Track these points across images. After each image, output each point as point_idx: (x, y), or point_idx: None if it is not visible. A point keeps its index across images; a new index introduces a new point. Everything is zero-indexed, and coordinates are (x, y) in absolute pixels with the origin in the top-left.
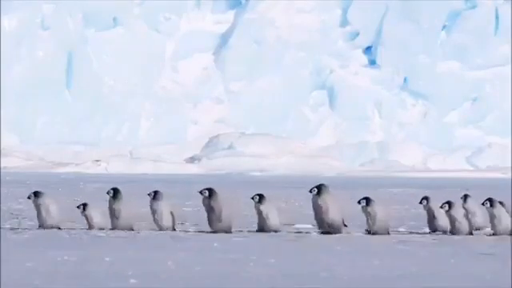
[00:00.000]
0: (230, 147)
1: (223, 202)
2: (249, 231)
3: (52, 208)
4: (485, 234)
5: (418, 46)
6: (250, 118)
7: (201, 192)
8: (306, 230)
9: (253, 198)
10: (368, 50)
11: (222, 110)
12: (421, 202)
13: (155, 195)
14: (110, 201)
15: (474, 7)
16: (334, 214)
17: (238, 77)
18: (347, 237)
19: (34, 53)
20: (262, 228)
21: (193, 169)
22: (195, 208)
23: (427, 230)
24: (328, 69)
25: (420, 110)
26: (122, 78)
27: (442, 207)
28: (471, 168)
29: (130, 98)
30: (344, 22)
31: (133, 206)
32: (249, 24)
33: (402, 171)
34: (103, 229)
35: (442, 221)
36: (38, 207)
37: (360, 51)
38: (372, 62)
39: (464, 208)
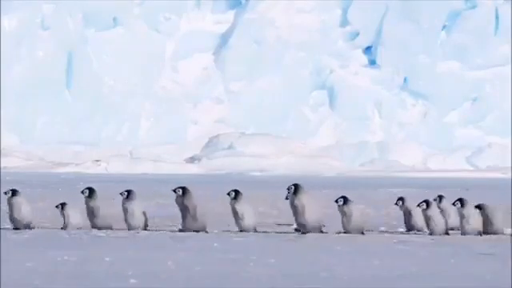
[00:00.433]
0: (229, 147)
1: (197, 200)
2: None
3: (24, 207)
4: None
5: (418, 46)
6: (250, 118)
7: (174, 190)
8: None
9: (229, 194)
10: (368, 49)
11: (222, 110)
12: (396, 203)
13: (128, 195)
14: (85, 200)
15: (473, 7)
16: (309, 214)
17: (238, 77)
18: (347, 237)
19: (33, 53)
20: (239, 227)
21: (193, 169)
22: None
23: (403, 229)
24: (328, 69)
25: (420, 110)
26: (121, 77)
27: (419, 206)
28: (471, 168)
29: (130, 98)
30: (344, 22)
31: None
32: (249, 24)
33: (401, 171)
34: (81, 228)
35: (419, 220)
36: (10, 205)
37: (360, 51)
38: (372, 62)
39: (439, 208)
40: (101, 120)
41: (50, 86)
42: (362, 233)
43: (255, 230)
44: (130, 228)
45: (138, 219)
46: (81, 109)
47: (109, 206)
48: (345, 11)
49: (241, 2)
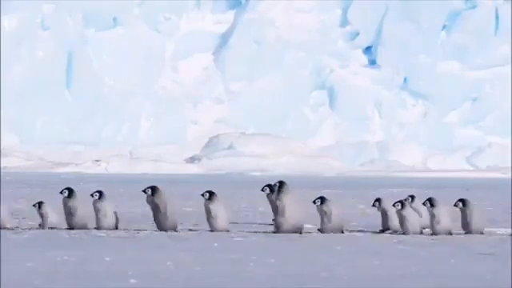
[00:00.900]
0: (230, 147)
1: (168, 199)
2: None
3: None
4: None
5: (418, 46)
6: (250, 117)
7: (144, 191)
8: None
9: (203, 195)
10: (368, 49)
11: (222, 109)
12: (374, 205)
13: (100, 196)
14: (64, 199)
15: (473, 7)
16: (290, 214)
17: (238, 77)
18: (347, 237)
19: (33, 53)
20: (212, 227)
21: (193, 169)
22: (195, 208)
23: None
24: (328, 69)
25: (420, 110)
26: (121, 77)
27: (394, 205)
28: (471, 168)
29: (130, 98)
30: (344, 22)
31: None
32: (249, 24)
33: (401, 171)
34: (55, 228)
35: (395, 220)
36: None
37: (360, 51)
38: (372, 62)
39: (411, 208)
40: (101, 120)
41: (50, 86)
42: (342, 232)
43: (227, 231)
44: (101, 228)
45: (110, 219)
46: (81, 109)
47: (86, 207)
48: (345, 11)
49: (241, 2)
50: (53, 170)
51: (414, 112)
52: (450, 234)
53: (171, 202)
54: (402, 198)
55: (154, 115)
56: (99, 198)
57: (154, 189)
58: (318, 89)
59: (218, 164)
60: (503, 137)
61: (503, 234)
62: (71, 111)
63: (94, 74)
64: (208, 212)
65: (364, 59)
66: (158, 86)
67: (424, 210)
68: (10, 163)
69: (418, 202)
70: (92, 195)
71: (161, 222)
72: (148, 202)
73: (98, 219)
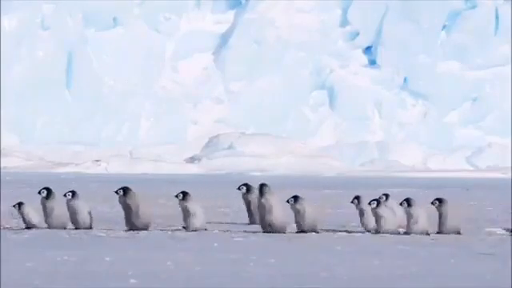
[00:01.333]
0: (230, 147)
1: (140, 199)
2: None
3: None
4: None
5: (418, 46)
6: (250, 118)
7: (116, 192)
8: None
9: (177, 196)
10: (368, 49)
11: (222, 109)
12: (352, 202)
13: (73, 195)
14: (42, 200)
15: (474, 7)
16: (276, 214)
17: (238, 77)
18: (347, 237)
19: (33, 53)
20: (189, 226)
21: (193, 169)
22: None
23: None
24: (328, 69)
25: (420, 110)
26: (121, 77)
27: (369, 204)
28: (471, 168)
29: (130, 98)
30: (344, 22)
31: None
32: (249, 24)
33: (401, 171)
34: (34, 227)
35: (371, 218)
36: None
37: (360, 51)
38: (372, 62)
39: (386, 207)
40: (101, 120)
41: (50, 86)
42: (316, 231)
43: (205, 229)
44: (76, 227)
45: (84, 218)
46: (81, 109)
47: (63, 206)
48: (345, 11)
49: (241, 2)
50: (53, 170)
51: (414, 112)
52: (428, 234)
53: (144, 203)
54: (377, 197)
55: (153, 115)
56: (72, 197)
57: (125, 190)
58: (318, 89)
59: (218, 164)
60: (503, 137)
61: (503, 234)
62: (71, 111)
63: (93, 74)
64: (186, 211)
65: (364, 59)
66: (158, 86)
67: (399, 209)
68: (10, 163)
69: (392, 201)
70: (65, 195)
71: (132, 221)
72: (120, 202)
73: (73, 218)
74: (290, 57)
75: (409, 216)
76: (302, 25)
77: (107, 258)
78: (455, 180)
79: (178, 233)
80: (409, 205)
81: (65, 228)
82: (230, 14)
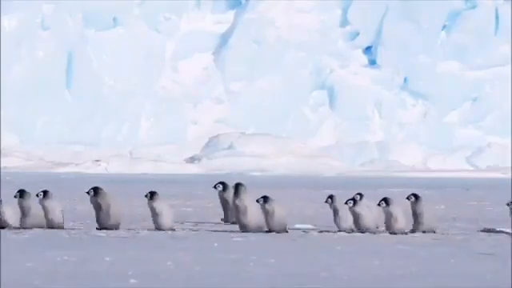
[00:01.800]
0: (230, 147)
1: (111, 199)
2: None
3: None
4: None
5: (418, 46)
6: (250, 118)
7: (87, 192)
8: (304, 230)
9: (146, 196)
10: (368, 49)
11: (222, 109)
12: (326, 201)
13: (44, 195)
14: (18, 200)
15: (473, 7)
16: (251, 215)
17: (238, 77)
18: (347, 237)
19: (33, 53)
20: (157, 226)
21: (193, 169)
22: (196, 208)
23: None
24: (328, 69)
25: (420, 110)
26: (121, 78)
27: (346, 203)
28: (471, 168)
29: (130, 98)
30: (344, 22)
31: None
32: (249, 24)
33: (401, 171)
34: (8, 226)
35: (348, 218)
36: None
37: (360, 51)
38: (372, 62)
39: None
40: (101, 120)
41: (50, 86)
42: (286, 231)
43: (173, 229)
44: (51, 226)
45: (58, 217)
46: (81, 109)
47: (39, 206)
48: (345, 11)
49: (241, 2)
50: (53, 170)
51: (414, 112)
52: (406, 233)
53: (116, 203)
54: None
55: (153, 115)
56: (44, 196)
57: (96, 190)
58: (318, 89)
59: (218, 164)
60: (503, 137)
61: (503, 234)
62: (71, 111)
63: (94, 74)
64: (152, 210)
65: (364, 59)
66: (158, 86)
67: (374, 208)
68: (10, 163)
69: (366, 201)
70: (37, 195)
71: (103, 220)
72: (91, 202)
73: (47, 218)
74: (289, 57)
75: (388, 215)
76: (302, 25)
77: (107, 258)
78: (455, 180)
79: (178, 233)
80: (387, 204)
81: (40, 227)
82: (230, 14)
